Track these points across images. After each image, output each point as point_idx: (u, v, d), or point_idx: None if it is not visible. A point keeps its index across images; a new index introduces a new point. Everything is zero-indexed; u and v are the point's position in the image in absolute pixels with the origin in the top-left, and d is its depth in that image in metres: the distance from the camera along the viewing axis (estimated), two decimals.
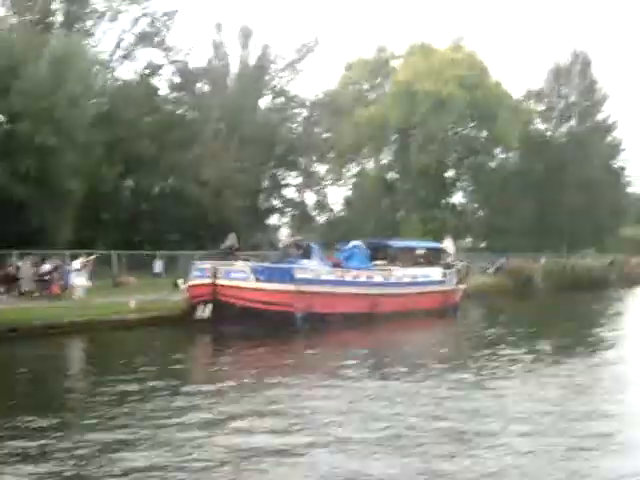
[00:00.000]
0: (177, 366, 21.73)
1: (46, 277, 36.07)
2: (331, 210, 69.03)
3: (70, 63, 40.67)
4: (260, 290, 29.64)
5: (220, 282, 29.76)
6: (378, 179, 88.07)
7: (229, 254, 32.05)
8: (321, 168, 69.17)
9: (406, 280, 36.74)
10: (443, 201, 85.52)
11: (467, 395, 17.22)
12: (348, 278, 33.49)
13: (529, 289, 53.83)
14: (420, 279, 37.48)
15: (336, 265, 34.72)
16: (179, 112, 62.77)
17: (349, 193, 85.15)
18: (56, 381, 19.77)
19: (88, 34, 56.42)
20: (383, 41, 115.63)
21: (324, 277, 32.19)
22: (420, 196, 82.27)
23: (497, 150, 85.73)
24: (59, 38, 42.96)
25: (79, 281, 33.91)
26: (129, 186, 56.41)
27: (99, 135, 47.99)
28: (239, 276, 29.94)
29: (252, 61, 67.81)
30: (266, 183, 62.22)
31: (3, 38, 42.26)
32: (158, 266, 47.43)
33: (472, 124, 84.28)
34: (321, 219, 74.88)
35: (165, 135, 58.50)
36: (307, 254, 33.54)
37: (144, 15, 58.81)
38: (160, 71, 63.29)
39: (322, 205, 67.82)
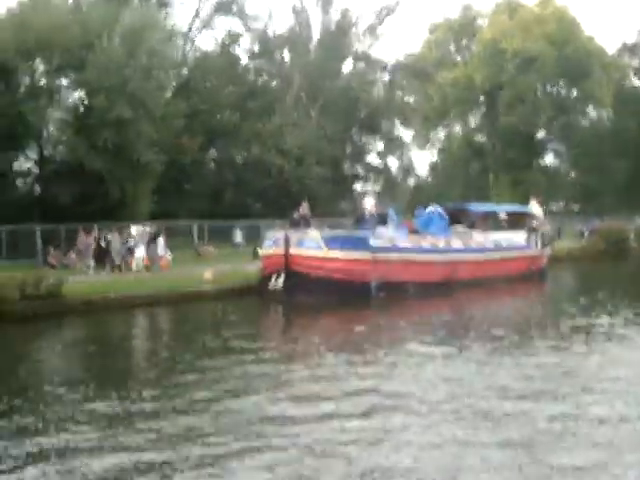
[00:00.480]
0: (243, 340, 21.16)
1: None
2: (416, 175, 67.67)
3: (143, 35, 40.51)
4: (333, 259, 28.95)
5: (292, 252, 29.19)
6: (466, 142, 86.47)
7: (300, 223, 31.39)
8: (404, 133, 67.75)
9: (487, 245, 35.51)
10: (534, 163, 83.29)
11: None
12: (425, 245, 32.50)
13: (623, 252, 51.54)
14: (502, 244, 36.16)
15: (413, 231, 33.74)
16: (259, 81, 62.13)
17: (435, 158, 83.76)
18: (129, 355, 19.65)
19: (165, 4, 56.43)
20: (468, 0, 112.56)
21: (400, 244, 31.24)
22: (509, 158, 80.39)
23: (589, 109, 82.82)
24: (132, 10, 42.75)
25: (138, 252, 33.45)
26: (211, 157, 56.10)
27: (178, 106, 48.05)
28: (311, 245, 29.29)
29: (333, 26, 66.64)
30: (349, 150, 61.10)
31: (78, 12, 42.22)
32: (238, 236, 47.27)
33: (562, 82, 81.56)
34: (406, 185, 73.63)
35: (246, 104, 58.28)
36: (383, 221, 32.67)
37: None
38: (240, 40, 62.98)
39: (407, 170, 66.56)
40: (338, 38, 65.90)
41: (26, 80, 42.79)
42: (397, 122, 65.54)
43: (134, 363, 18.91)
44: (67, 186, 43.07)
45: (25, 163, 45.14)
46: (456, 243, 34.12)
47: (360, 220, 33.23)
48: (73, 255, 36.80)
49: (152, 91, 41.19)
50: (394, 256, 30.39)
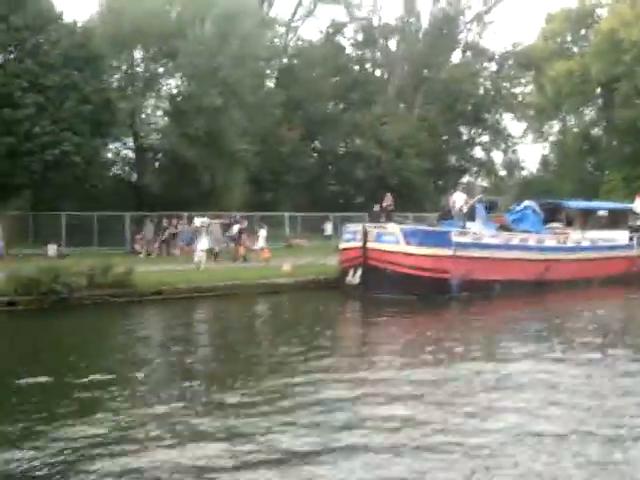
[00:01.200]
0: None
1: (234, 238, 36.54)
2: (521, 169, 65.06)
3: (235, 22, 39.95)
4: (411, 254, 27.70)
5: (370, 246, 28.10)
6: (581, 136, 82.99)
7: (381, 216, 30.25)
8: (511, 125, 65.31)
9: (584, 244, 33.48)
10: None
11: None
12: (514, 242, 30.80)
13: None
14: (601, 243, 34.04)
15: (503, 228, 32.09)
16: (362, 71, 61.05)
17: (546, 151, 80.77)
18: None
19: None
20: None
21: (486, 241, 29.69)
22: (626, 154, 76.74)
23: None
24: None
25: (201, 245, 32.58)
26: (310, 148, 55.35)
27: (275, 96, 47.52)
28: (390, 239, 28.10)
29: (441, 15, 64.97)
30: (452, 142, 59.30)
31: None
32: (329, 228, 46.38)
33: None
34: (511, 179, 71.10)
35: (348, 95, 57.36)
36: (472, 216, 31.18)
37: None
38: (344, 29, 62.08)
39: (513, 164, 64.13)
40: (446, 27, 64.16)
41: (123, 69, 42.78)
42: (503, 114, 63.16)
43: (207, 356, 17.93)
44: (160, 174, 43.08)
45: (121, 150, 45.35)
46: (550, 241, 32.27)
47: (446, 215, 31.72)
48: (156, 244, 36.75)
49: (244, 79, 40.40)
50: (478, 253, 28.87)
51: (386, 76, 60.51)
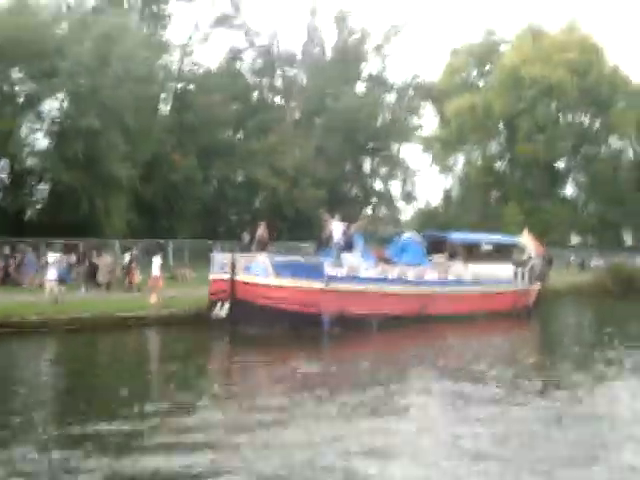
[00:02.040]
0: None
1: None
2: (415, 199, 64.49)
3: (115, 43, 38.21)
4: (281, 287, 26.28)
5: (238, 278, 26.58)
6: (484, 169, 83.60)
7: (251, 246, 28.86)
8: (412, 156, 64.73)
9: (466, 278, 32.60)
10: (553, 192, 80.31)
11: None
12: (392, 275, 29.69)
13: (630, 290, 48.06)
14: (484, 277, 33.19)
15: (383, 260, 30.98)
16: (260, 98, 59.84)
17: (449, 184, 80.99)
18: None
19: (163, 17, 54.58)
20: (492, 25, 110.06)
21: (362, 274, 28.46)
22: (527, 187, 77.72)
23: (612, 139, 79.57)
24: (103, 18, 40.47)
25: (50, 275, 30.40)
26: (204, 176, 53.63)
27: (166, 120, 45.90)
28: (258, 271, 26.63)
29: (342, 44, 64.40)
30: (348, 172, 58.32)
31: (51, 17, 40.14)
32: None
33: (584, 111, 78.56)
34: (408, 211, 70.54)
35: (244, 122, 56.04)
36: (349, 247, 29.98)
37: None
38: (243, 55, 60.94)
39: (410, 196, 63.59)
40: (347, 57, 63.51)
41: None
42: (403, 145, 62.59)
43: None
44: (39, 199, 40.97)
45: None
46: (430, 274, 31.27)
47: (323, 246, 30.44)
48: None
49: (125, 101, 38.58)
50: (353, 286, 27.60)
51: (286, 104, 59.31)
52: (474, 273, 32.86)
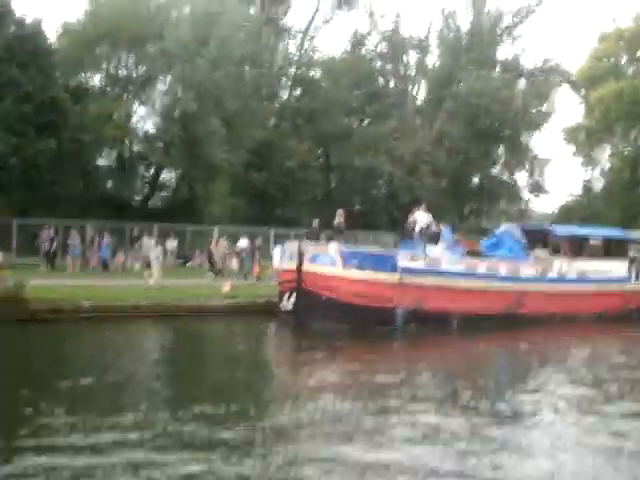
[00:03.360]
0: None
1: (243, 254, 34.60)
2: (545, 191, 60.46)
3: (212, 25, 37.15)
4: (348, 279, 24.38)
5: (305, 268, 24.92)
6: (631, 161, 78.23)
7: (321, 234, 27.18)
8: (540, 145, 60.73)
9: (570, 275, 29.66)
10: None
11: None
12: (481, 270, 27.18)
13: None
14: (591, 274, 30.12)
15: (473, 254, 28.54)
16: (383, 83, 57.79)
17: (589, 176, 76.06)
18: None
19: (283, 2, 53.50)
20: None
21: (444, 267, 26.16)
22: None
23: None
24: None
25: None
26: (320, 162, 52.18)
27: (285, 105, 44.71)
28: (326, 261, 24.84)
29: (473, 28, 61.38)
30: (471, 161, 55.37)
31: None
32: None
33: None
34: (535, 203, 66.27)
35: (364, 108, 54.26)
36: (434, 239, 27.77)
37: None
38: (366, 40, 59.13)
39: (538, 187, 59.83)
40: (480, 40, 60.43)
41: (104, 68, 40.53)
42: (532, 133, 58.79)
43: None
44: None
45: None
46: (527, 270, 28.52)
47: (407, 237, 28.30)
48: None
49: (222, 84, 37.43)
50: (432, 280, 25.39)
51: (409, 89, 56.98)
52: (580, 270, 29.87)
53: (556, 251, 30.29)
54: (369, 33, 58.86)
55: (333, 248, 24.98)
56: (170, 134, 38.22)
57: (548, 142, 77.78)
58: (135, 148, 40.26)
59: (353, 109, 54.40)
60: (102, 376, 15.41)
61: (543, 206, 69.24)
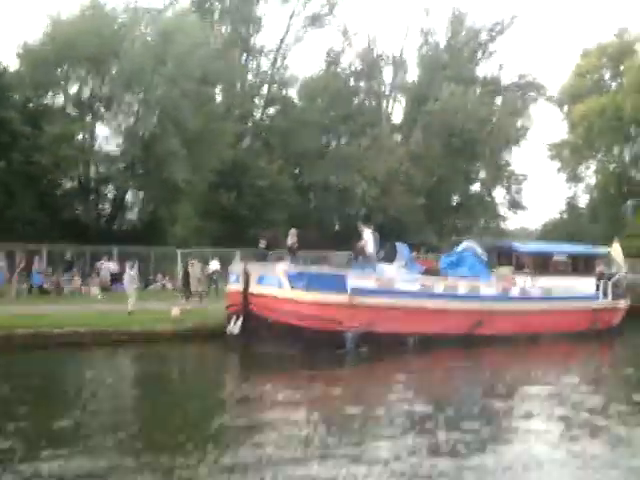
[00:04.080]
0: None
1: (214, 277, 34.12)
2: (522, 208, 59.32)
3: (171, 42, 36.28)
4: (295, 301, 23.37)
5: (252, 290, 23.92)
6: (616, 177, 77.39)
7: (268, 254, 26.19)
8: (518, 161, 59.51)
9: (533, 293, 28.62)
10: None
11: None
12: (438, 289, 26.15)
13: None
14: (557, 292, 29.07)
15: (431, 272, 27.55)
16: (354, 101, 56.98)
17: (572, 192, 75.20)
18: None
19: (254, 20, 52.82)
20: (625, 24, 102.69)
21: (398, 286, 25.13)
22: None
23: None
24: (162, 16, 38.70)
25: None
26: (291, 182, 51.16)
27: (257, 124, 43.88)
28: (272, 282, 23.83)
29: (449, 44, 60.73)
30: (447, 178, 54.32)
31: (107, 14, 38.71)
32: None
33: None
34: (516, 220, 65.21)
35: (337, 126, 53.45)
36: (391, 257, 26.81)
37: None
38: (339, 57, 58.48)
39: (515, 203, 58.77)
40: (456, 57, 59.71)
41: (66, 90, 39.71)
42: (507, 149, 57.76)
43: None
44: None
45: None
46: (487, 289, 27.49)
47: (359, 255, 27.28)
48: None
49: (181, 103, 36.48)
50: (384, 300, 24.35)
51: (383, 107, 56.11)
52: (544, 287, 28.84)
53: (520, 268, 29.27)
54: (343, 51, 58.08)
55: (279, 269, 23.98)
56: (131, 155, 37.25)
57: (530, 158, 76.34)
58: (96, 169, 39.10)
59: (327, 128, 53.49)
60: None
61: (526, 223, 67.73)
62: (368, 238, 26.39)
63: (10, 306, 26.75)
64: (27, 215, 37.06)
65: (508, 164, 57.34)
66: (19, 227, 36.61)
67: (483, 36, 59.48)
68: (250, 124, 53.36)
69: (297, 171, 52.41)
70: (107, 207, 40.60)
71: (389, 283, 25.02)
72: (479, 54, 60.06)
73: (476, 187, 58.21)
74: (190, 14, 40.53)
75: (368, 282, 24.49)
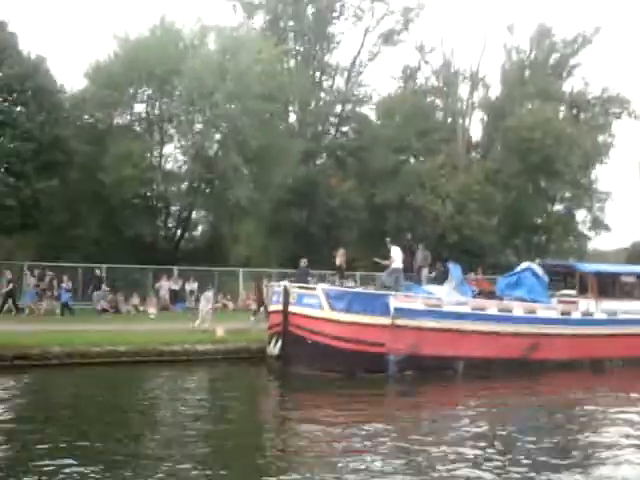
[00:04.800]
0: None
1: None
2: (606, 228, 56.54)
3: (231, 58, 36.04)
4: (335, 322, 22.53)
5: (292, 310, 23.20)
6: None
7: (310, 274, 25.47)
8: (597, 177, 56.66)
9: (598, 316, 27.07)
10: None
11: None
12: (491, 311, 24.89)
13: None
14: (622, 316, 27.41)
15: (487, 294, 26.38)
16: (430, 118, 55.82)
17: None
18: None
19: (330, 38, 52.45)
20: None
21: (445, 308, 24.00)
22: None
23: None
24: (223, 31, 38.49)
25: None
26: (363, 200, 50.31)
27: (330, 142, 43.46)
28: (312, 303, 23.03)
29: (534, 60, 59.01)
30: (525, 197, 52.41)
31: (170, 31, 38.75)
32: None
33: None
34: (601, 241, 62.36)
35: (414, 144, 52.47)
36: (442, 277, 25.80)
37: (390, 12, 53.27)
38: (417, 74, 57.59)
39: (598, 223, 56.26)
40: (540, 73, 57.89)
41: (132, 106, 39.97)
42: (593, 167, 55.31)
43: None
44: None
45: None
46: (545, 311, 26.07)
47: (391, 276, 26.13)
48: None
49: (241, 119, 36.06)
50: (431, 323, 23.32)
51: (461, 123, 54.72)
52: (609, 310, 27.23)
53: (584, 290, 27.75)
54: (419, 67, 57.12)
55: (319, 288, 23.20)
56: (195, 173, 37.15)
57: (616, 176, 73.28)
58: (162, 188, 39.07)
59: (402, 145, 52.47)
60: None
61: (612, 244, 64.77)
62: (395, 255, 25.38)
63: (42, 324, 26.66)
64: (92, 234, 37.27)
65: (590, 182, 54.99)
66: (82, 246, 36.87)
67: (565, 50, 57.42)
68: (324, 142, 52.76)
69: (371, 189, 51.35)
70: (172, 226, 40.46)
71: (436, 304, 23.91)
72: (561, 68, 57.99)
73: (557, 206, 55.94)
74: (251, 31, 40.24)
75: (414, 303, 23.43)
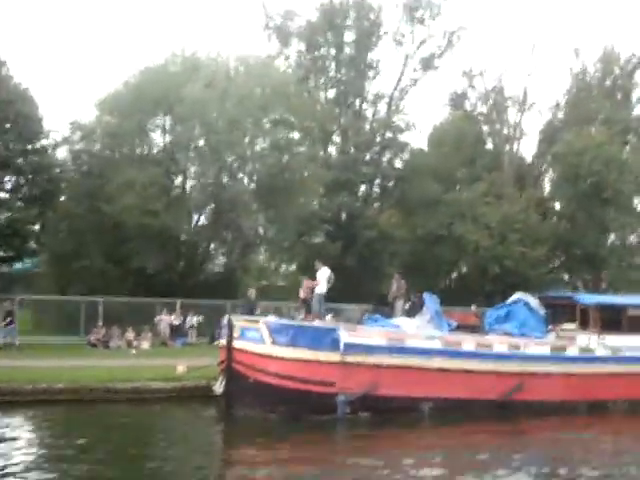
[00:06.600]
0: None
1: None
2: None
3: (233, 82, 34.64)
4: (278, 358, 20.46)
5: (235, 345, 21.24)
6: None
7: (256, 305, 23.52)
8: None
9: (599, 353, 24.21)
10: None
11: None
12: (466, 347, 22.37)
13: None
14: (628, 352, 24.46)
15: (470, 327, 23.94)
16: (475, 144, 53.28)
17: None
18: None
19: (371, 65, 50.70)
20: None
21: (410, 343, 21.61)
22: None
23: None
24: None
25: None
26: (402, 231, 48.00)
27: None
28: (254, 337, 21.02)
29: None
30: (576, 226, 49.14)
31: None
32: None
33: None
34: None
35: (453, 171, 50.13)
36: (416, 310, 23.52)
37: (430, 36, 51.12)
38: (465, 101, 55.20)
39: None
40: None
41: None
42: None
43: None
44: None
45: None
46: (534, 347, 23.40)
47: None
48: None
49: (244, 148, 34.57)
50: (390, 359, 20.97)
51: (507, 149, 52.06)
52: (614, 346, 24.35)
53: (585, 324, 24.96)
54: (465, 93, 54.72)
55: (262, 321, 21.20)
56: (201, 202, 35.77)
57: None
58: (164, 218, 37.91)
59: (446, 174, 50.16)
60: None
61: None
62: (322, 277, 23.27)
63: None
64: (96, 266, 36.32)
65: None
66: (88, 278, 35.97)
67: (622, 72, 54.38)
68: (363, 170, 50.75)
69: (409, 218, 49.14)
70: (181, 257, 39.03)
71: (398, 338, 21.59)
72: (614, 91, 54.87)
73: (611, 236, 52.42)
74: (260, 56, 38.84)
75: (369, 338, 21.18)
